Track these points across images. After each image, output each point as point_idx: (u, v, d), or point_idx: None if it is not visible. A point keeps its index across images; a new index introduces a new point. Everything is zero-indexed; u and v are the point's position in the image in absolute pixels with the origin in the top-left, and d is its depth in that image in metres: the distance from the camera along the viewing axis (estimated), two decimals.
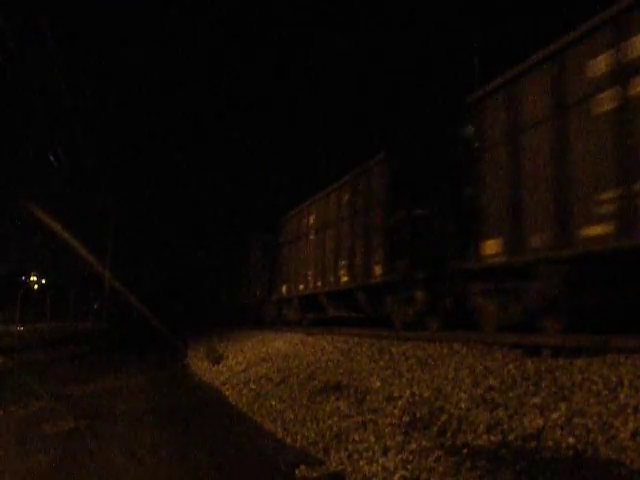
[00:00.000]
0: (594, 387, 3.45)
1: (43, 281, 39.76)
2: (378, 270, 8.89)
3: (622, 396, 3.21)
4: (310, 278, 12.08)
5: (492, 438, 3.23)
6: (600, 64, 5.04)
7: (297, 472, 3.61)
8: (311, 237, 12.26)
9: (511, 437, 3.17)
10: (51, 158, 20.61)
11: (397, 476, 3.18)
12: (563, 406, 3.30)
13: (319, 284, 11.55)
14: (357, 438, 3.95)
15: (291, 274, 13.64)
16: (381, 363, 5.83)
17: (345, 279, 10.22)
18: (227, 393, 7.15)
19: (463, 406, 3.84)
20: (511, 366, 4.37)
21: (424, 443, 3.43)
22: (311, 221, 12.37)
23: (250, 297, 19.06)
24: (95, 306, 36.53)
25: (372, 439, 3.81)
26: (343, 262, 10.32)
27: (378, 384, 5.05)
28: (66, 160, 21.25)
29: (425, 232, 7.83)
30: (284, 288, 14.22)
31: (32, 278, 39.26)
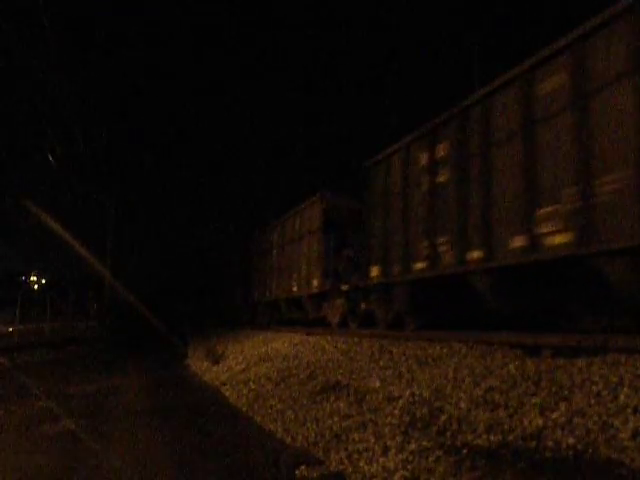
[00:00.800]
0: (594, 387, 3.45)
1: (43, 281, 39.84)
2: None
3: (622, 396, 3.21)
4: (444, 247, 7.36)
5: (492, 438, 3.23)
6: None
7: (297, 472, 3.61)
8: (441, 179, 7.61)
9: (511, 437, 3.17)
10: (50, 158, 20.60)
11: (397, 476, 3.18)
12: (563, 406, 3.30)
13: (473, 255, 6.66)
14: (357, 438, 3.95)
15: (391, 246, 8.74)
16: (381, 363, 5.83)
17: (557, 239, 5.40)
18: (227, 393, 7.15)
19: (463, 406, 3.84)
20: (511, 366, 4.37)
21: (424, 443, 3.43)
22: (441, 153, 7.61)
23: (299, 288, 13.56)
24: (88, 307, 36.61)
25: (372, 439, 3.81)
26: (550, 207, 5.51)
27: (378, 384, 5.06)
28: (66, 160, 21.24)
29: None
30: (374, 270, 9.30)
31: (32, 278, 39.36)
